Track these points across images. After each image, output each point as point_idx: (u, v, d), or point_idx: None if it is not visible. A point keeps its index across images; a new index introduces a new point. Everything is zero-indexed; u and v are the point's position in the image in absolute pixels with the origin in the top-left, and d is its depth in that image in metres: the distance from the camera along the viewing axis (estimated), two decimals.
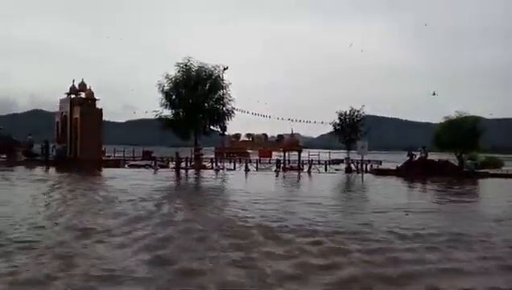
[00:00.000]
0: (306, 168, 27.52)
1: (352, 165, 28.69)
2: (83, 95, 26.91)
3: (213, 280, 4.59)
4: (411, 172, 22.66)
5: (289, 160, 30.82)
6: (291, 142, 30.39)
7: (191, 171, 24.13)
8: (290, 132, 33.40)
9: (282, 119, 38.37)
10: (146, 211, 9.10)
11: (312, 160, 29.72)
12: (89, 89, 26.93)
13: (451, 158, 26.60)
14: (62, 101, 27.68)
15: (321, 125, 37.66)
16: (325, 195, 13.66)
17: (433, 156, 27.04)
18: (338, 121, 33.58)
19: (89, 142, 24.73)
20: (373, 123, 44.16)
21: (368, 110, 37.01)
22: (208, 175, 22.47)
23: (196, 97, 28.12)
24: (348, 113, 33.27)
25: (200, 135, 29.50)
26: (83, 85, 27.02)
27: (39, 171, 20.66)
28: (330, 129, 34.92)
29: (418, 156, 25.35)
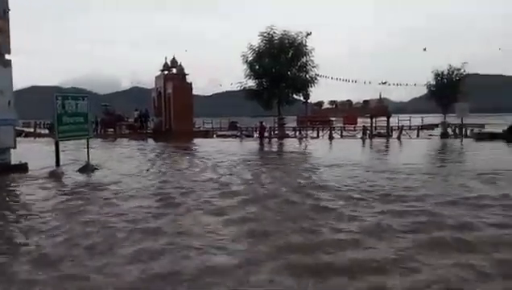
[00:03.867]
0: (395, 135, 25.98)
1: (449, 129, 26.22)
2: (174, 71, 28.81)
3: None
4: None
5: (376, 127, 29.38)
6: (379, 108, 28.78)
7: (274, 140, 24.56)
8: (377, 97, 31.64)
9: (370, 83, 36.33)
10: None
11: (403, 126, 27.87)
12: (180, 65, 28.68)
13: None
14: (157, 77, 30.01)
15: (414, 88, 34.69)
16: (411, 161, 12.74)
17: None
18: (434, 82, 30.61)
19: (181, 115, 26.63)
20: (477, 82, 39.37)
21: (471, 69, 33.01)
22: (290, 143, 22.66)
23: (280, 65, 28.05)
24: (445, 72, 30.05)
25: (282, 104, 29.59)
26: (174, 62, 28.87)
27: (139, 141, 23.05)
28: (424, 92, 32.21)
29: None
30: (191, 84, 28.18)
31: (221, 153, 15.63)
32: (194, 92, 29.35)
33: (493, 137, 21.88)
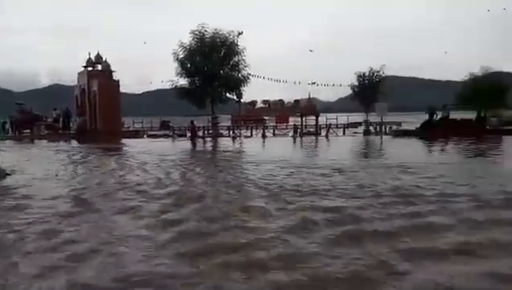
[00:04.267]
0: (324, 133, 27.29)
1: (370, 127, 28.24)
2: (99, 67, 27.12)
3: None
4: (432, 132, 22.13)
5: (306, 125, 30.62)
6: (308, 107, 29.93)
7: (208, 140, 24.39)
8: (307, 97, 32.86)
9: (299, 83, 37.64)
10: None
11: (330, 124, 29.39)
12: (105, 61, 27.06)
13: (474, 116, 25.75)
14: (80, 74, 28.00)
15: (341, 88, 36.57)
16: (329, 157, 13.55)
17: (456, 115, 26.30)
18: (357, 83, 32.74)
19: (108, 114, 25.16)
20: (395, 84, 43.00)
21: (389, 71, 35.80)
22: (224, 142, 22.68)
23: (212, 64, 27.92)
24: (367, 74, 32.32)
25: (216, 103, 29.52)
26: (99, 58, 27.15)
27: (60, 143, 21.34)
28: (349, 92, 34.25)
29: (439, 116, 24.65)
30: (118, 81, 26.77)
31: (150, 153, 15.10)
32: (122, 90, 27.97)
33: (407, 134, 24.10)
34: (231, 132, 28.41)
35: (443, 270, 3.85)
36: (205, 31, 28.23)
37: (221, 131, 28.87)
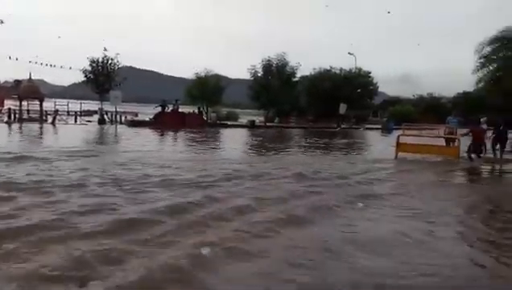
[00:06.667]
0: (50, 119, 24.11)
1: (105, 116, 27.26)
2: None
3: None
4: (163, 123, 23.70)
5: (28, 110, 26.27)
6: (30, 89, 25.56)
7: None
8: (33, 78, 27.87)
9: (17, 60, 31.45)
10: None
11: (58, 110, 26.30)
12: None
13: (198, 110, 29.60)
14: None
15: (76, 72, 32.30)
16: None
17: (185, 109, 29.30)
18: (90, 68, 30.39)
19: None
20: (131, 75, 43.30)
21: (125, 61, 35.28)
22: None
23: None
24: (101, 60, 30.48)
25: None
26: None
27: None
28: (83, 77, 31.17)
29: (170, 108, 26.73)
30: None
31: None
32: None
33: (142, 124, 24.84)
34: None
35: None
36: None
37: None
